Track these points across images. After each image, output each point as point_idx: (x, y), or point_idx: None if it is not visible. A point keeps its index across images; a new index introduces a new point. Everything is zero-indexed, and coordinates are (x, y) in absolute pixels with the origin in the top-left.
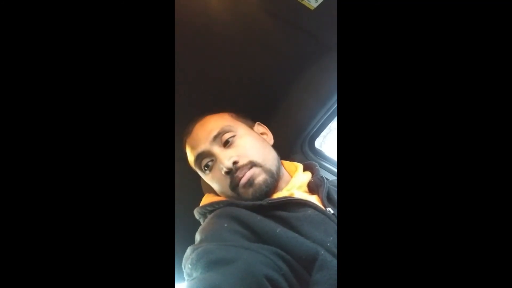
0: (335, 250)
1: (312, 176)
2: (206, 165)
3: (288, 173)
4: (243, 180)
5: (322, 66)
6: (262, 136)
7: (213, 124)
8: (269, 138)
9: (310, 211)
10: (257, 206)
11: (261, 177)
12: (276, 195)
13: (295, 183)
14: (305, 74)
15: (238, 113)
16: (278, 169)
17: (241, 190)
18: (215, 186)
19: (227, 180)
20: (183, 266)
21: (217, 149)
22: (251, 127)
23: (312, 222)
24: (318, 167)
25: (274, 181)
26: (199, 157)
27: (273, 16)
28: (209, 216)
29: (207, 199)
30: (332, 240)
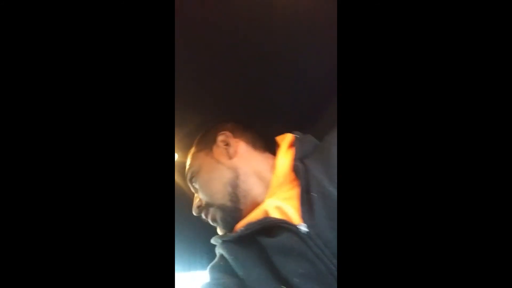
0: (303, 284)
1: (293, 159)
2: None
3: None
4: (211, 223)
5: (322, 66)
6: (225, 149)
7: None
8: (233, 148)
9: (284, 235)
10: (238, 238)
11: (218, 216)
12: (252, 215)
13: (274, 183)
14: (305, 74)
15: (204, 132)
16: (234, 196)
17: (218, 228)
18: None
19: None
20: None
21: (195, 192)
22: (211, 148)
23: (283, 250)
24: (297, 138)
25: (234, 211)
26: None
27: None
28: (218, 251)
29: None
30: (301, 272)
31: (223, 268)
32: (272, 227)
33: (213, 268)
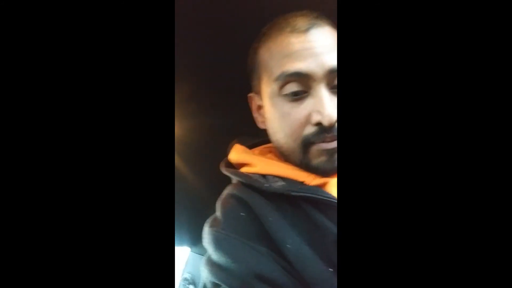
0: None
1: None
2: (295, 93)
3: None
4: (329, 145)
5: None
6: None
7: (334, 47)
8: None
9: (329, 223)
10: (273, 194)
11: (336, 155)
12: (306, 173)
13: None
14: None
15: None
16: None
17: (313, 152)
18: (282, 125)
19: (305, 131)
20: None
21: (323, 88)
22: None
23: (331, 236)
24: None
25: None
26: (291, 76)
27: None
28: (230, 190)
29: (236, 152)
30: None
31: (245, 222)
32: (324, 203)
33: (231, 217)
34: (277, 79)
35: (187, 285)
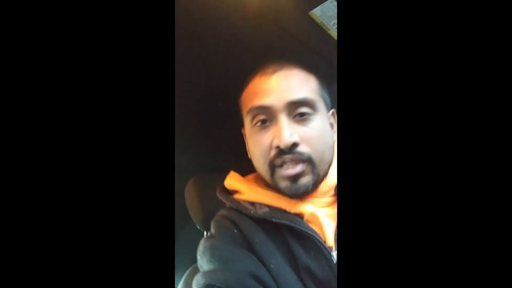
0: None
1: None
2: (262, 121)
3: None
4: (289, 171)
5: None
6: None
7: (297, 85)
8: (334, 133)
9: (313, 251)
10: (258, 219)
11: (305, 179)
12: (287, 201)
13: (323, 189)
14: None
15: (323, 83)
16: (326, 174)
17: (278, 176)
18: (254, 151)
19: (270, 155)
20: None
21: (284, 116)
22: (327, 110)
23: (310, 264)
24: None
25: (315, 187)
26: (259, 109)
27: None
28: (224, 212)
29: (230, 179)
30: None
31: (238, 238)
32: (301, 234)
33: (224, 232)
34: (248, 112)
35: None
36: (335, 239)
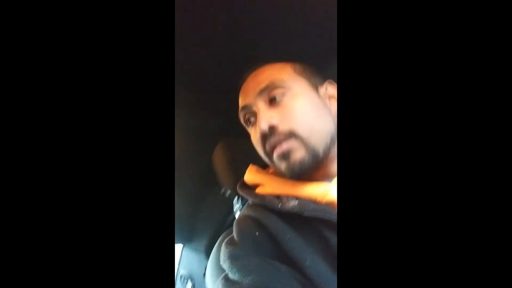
0: None
1: None
2: (249, 120)
3: None
4: (278, 150)
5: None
6: (327, 101)
7: (265, 75)
8: (335, 107)
9: None
10: (286, 213)
11: (298, 154)
12: (317, 187)
13: None
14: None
15: (305, 66)
16: (328, 148)
17: (275, 160)
18: (255, 146)
19: (262, 144)
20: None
21: (261, 105)
22: (316, 86)
23: None
24: None
25: (316, 162)
26: (243, 110)
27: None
28: (246, 211)
29: (250, 173)
30: None
31: (261, 241)
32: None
33: (245, 237)
34: (239, 112)
35: (185, 281)
36: None
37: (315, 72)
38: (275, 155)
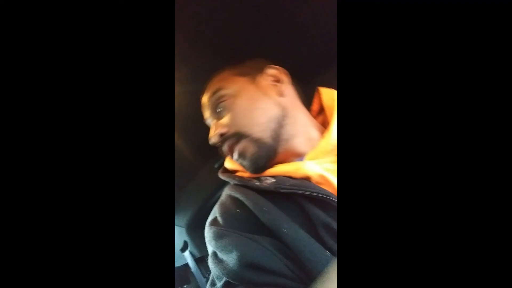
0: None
1: None
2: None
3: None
4: (234, 154)
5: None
6: (273, 84)
7: (209, 89)
8: (284, 86)
9: (330, 213)
10: (265, 191)
11: (250, 150)
12: (288, 165)
13: (322, 147)
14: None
15: (242, 64)
16: (276, 134)
17: (237, 162)
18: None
19: (224, 151)
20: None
21: (212, 121)
22: (254, 78)
23: (329, 227)
24: None
25: (270, 151)
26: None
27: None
28: (227, 191)
29: (229, 161)
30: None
31: (241, 217)
32: (307, 196)
33: (227, 216)
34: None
35: None
36: None
37: (254, 63)
38: (234, 158)
